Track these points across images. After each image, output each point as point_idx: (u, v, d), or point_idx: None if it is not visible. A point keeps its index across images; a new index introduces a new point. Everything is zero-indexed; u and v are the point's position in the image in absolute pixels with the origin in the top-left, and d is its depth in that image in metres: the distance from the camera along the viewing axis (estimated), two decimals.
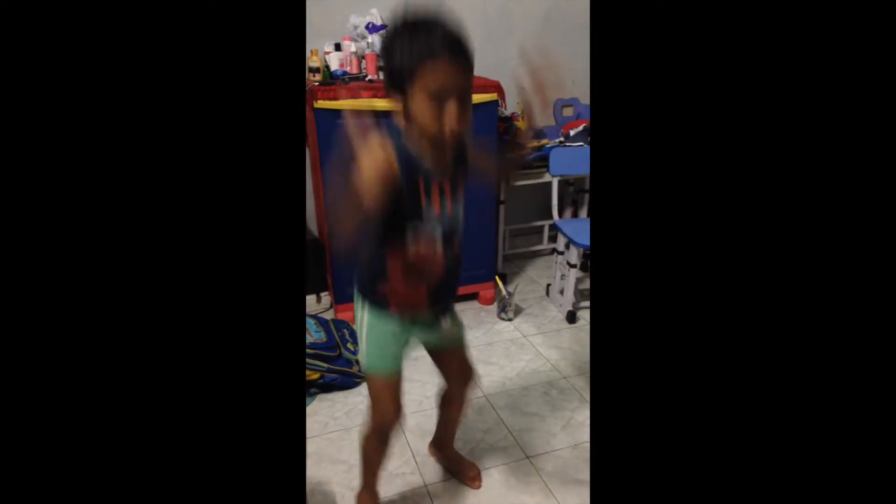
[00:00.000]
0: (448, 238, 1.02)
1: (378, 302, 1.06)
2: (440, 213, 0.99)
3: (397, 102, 0.90)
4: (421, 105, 0.86)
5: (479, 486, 1.42)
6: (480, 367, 1.93)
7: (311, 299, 2.39)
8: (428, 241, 0.99)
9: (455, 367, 1.26)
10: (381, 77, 0.95)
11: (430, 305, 1.08)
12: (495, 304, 2.32)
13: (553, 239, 2.58)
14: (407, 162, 0.91)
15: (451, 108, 0.86)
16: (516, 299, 2.30)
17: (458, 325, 1.23)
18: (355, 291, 1.10)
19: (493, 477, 1.45)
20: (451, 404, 1.35)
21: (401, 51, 0.86)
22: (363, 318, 1.09)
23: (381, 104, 1.87)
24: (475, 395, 1.78)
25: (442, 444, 1.46)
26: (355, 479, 1.44)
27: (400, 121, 0.92)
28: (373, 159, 0.78)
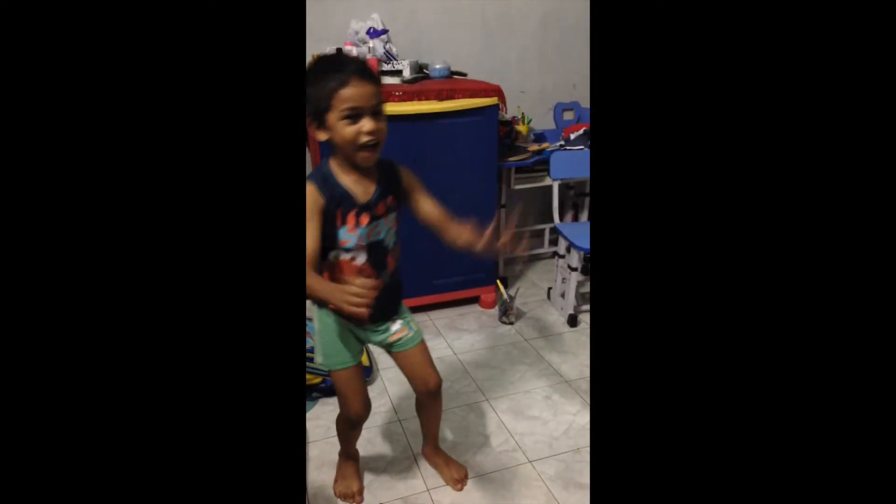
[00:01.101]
0: (378, 256, 1.14)
1: (321, 304, 1.17)
2: (359, 235, 1.10)
3: (322, 133, 1.04)
4: (339, 127, 1.01)
5: (461, 489, 1.43)
6: (481, 371, 1.93)
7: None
8: (350, 265, 1.12)
9: (413, 370, 1.29)
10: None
11: (369, 316, 1.11)
12: (496, 307, 2.32)
13: (554, 242, 2.58)
14: (330, 192, 1.06)
15: (366, 124, 1.01)
16: (517, 303, 2.30)
17: (412, 329, 1.27)
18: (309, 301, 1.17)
19: (496, 481, 1.45)
20: (420, 408, 1.40)
21: (316, 85, 1.00)
22: (316, 322, 1.20)
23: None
24: (477, 399, 1.78)
25: (428, 447, 1.49)
26: (372, 467, 1.44)
27: (331, 151, 1.08)
28: (307, 207, 0.99)
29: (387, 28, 2.18)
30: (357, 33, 2.15)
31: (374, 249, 1.13)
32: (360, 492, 1.41)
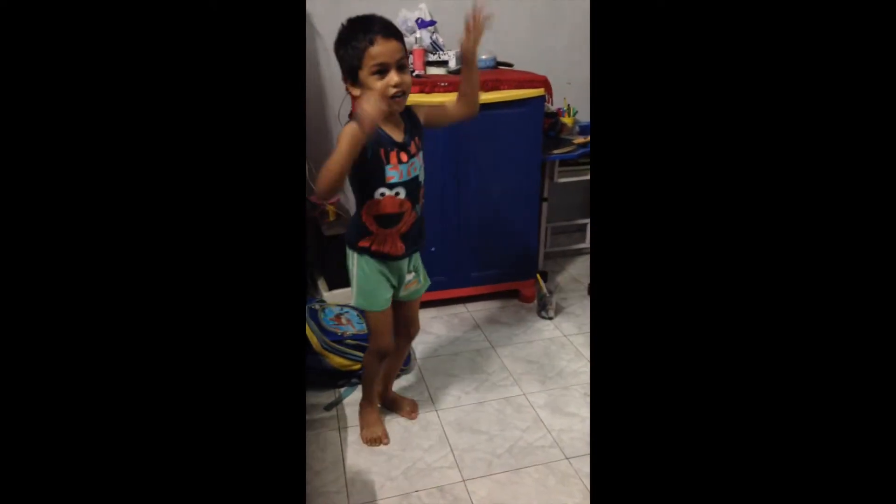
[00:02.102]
0: (412, 191, 1.30)
1: (362, 251, 1.34)
2: (400, 172, 1.26)
3: (355, 88, 1.20)
4: (370, 81, 1.15)
5: (415, 417, 1.63)
6: (520, 366, 1.92)
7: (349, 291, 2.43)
8: (393, 199, 1.28)
9: (408, 317, 1.52)
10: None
11: (403, 246, 1.35)
12: (536, 301, 2.30)
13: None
14: (372, 136, 1.16)
15: (394, 77, 1.15)
16: (557, 298, 2.27)
17: (420, 281, 1.48)
18: (346, 249, 1.38)
19: (532, 476, 1.45)
20: (395, 351, 1.55)
21: (348, 46, 1.16)
22: (353, 267, 1.38)
23: (427, 99, 1.88)
24: (514, 393, 1.77)
25: (382, 391, 1.66)
26: (395, 469, 1.46)
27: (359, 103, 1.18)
28: (345, 136, 1.12)
29: (434, 20, 2.17)
30: (406, 22, 2.15)
31: (411, 185, 1.29)
32: (386, 434, 1.57)
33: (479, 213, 2.11)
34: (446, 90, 1.93)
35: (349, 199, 2.50)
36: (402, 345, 1.57)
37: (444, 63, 2.10)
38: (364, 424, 1.58)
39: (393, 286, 1.41)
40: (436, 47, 2.14)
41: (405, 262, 1.39)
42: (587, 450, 1.53)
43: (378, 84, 1.15)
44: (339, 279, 2.36)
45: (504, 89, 1.98)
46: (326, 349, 1.77)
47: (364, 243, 1.33)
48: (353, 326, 1.87)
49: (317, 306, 1.92)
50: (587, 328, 2.15)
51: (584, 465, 1.47)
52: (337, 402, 1.74)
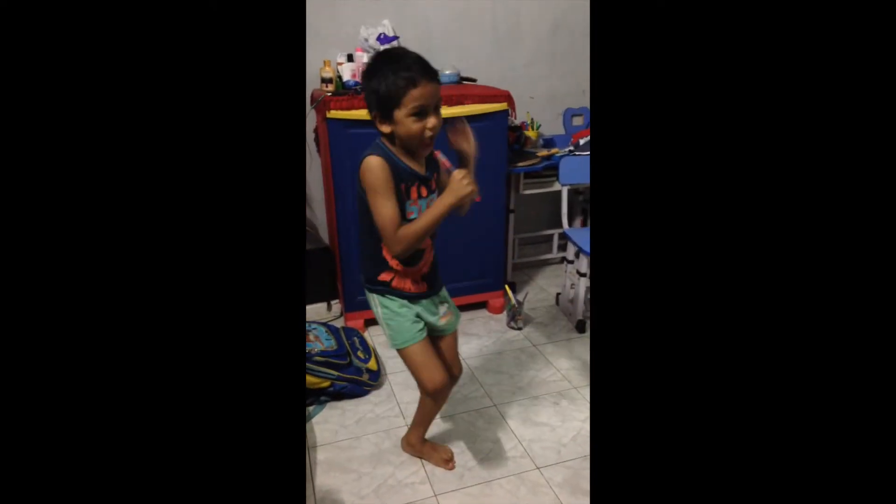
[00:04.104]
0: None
1: (385, 289, 1.28)
2: (419, 207, 1.22)
3: (386, 126, 1.14)
4: (407, 122, 1.11)
5: (453, 467, 1.50)
6: (490, 377, 1.92)
7: (321, 307, 2.41)
8: None
9: (449, 354, 1.43)
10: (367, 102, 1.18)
11: (426, 285, 1.31)
12: (504, 312, 2.32)
13: (563, 248, 2.58)
14: (395, 171, 1.16)
15: (432, 120, 1.13)
16: (526, 308, 2.30)
17: (454, 313, 1.42)
18: (366, 291, 1.32)
19: (503, 487, 1.45)
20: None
21: (386, 82, 1.10)
22: (378, 309, 1.31)
23: None
24: (485, 405, 1.77)
25: (417, 435, 1.54)
26: (365, 488, 1.44)
27: (385, 136, 1.17)
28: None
29: (398, 35, 2.19)
30: (367, 40, 2.16)
31: None
32: (451, 455, 1.52)
33: (447, 225, 2.11)
34: None
35: (314, 210, 2.48)
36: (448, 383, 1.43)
37: None
38: (429, 456, 1.52)
39: (423, 319, 1.32)
40: None
41: (431, 299, 1.34)
42: (558, 458, 1.54)
43: (415, 126, 1.11)
44: (311, 294, 2.34)
45: (468, 104, 2.01)
46: None
47: (385, 277, 1.27)
48: (321, 343, 1.85)
49: None
50: (556, 337, 2.17)
51: (555, 475, 1.48)
52: (306, 421, 1.71)
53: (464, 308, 2.34)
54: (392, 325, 1.30)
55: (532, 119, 2.56)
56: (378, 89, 1.10)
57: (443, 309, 1.37)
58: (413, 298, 1.30)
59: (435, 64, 1.14)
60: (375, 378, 1.87)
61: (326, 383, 1.78)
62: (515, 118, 2.33)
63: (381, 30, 2.17)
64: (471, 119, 2.05)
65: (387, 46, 1.14)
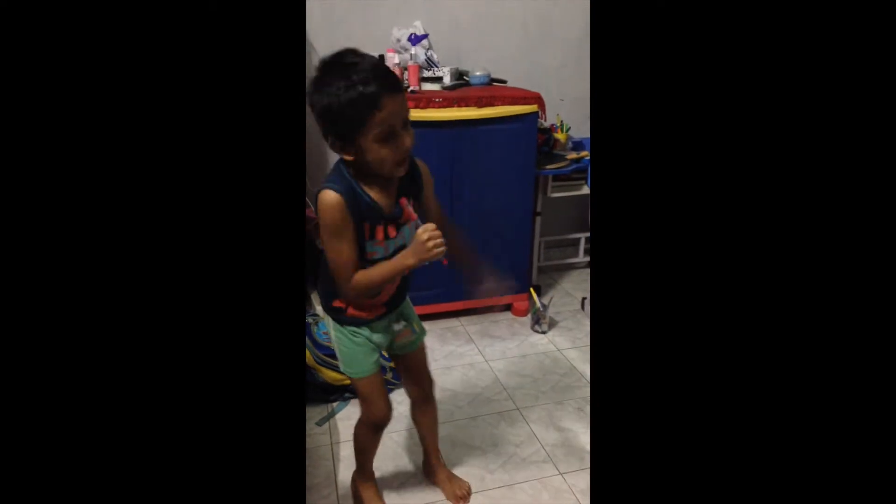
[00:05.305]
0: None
1: (340, 318, 1.14)
2: (386, 247, 1.05)
3: (347, 153, 0.94)
4: (375, 148, 0.90)
5: None
6: (513, 380, 1.91)
7: None
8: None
9: (413, 372, 1.31)
10: (319, 121, 0.94)
11: (385, 308, 1.15)
12: (529, 315, 2.30)
13: (589, 252, 2.55)
14: (358, 208, 0.97)
15: (402, 139, 0.92)
16: (551, 312, 2.28)
17: (415, 332, 1.27)
18: (322, 312, 1.20)
19: (525, 492, 1.44)
20: (417, 414, 1.38)
21: (339, 101, 0.86)
22: (332, 332, 1.18)
23: (422, 115, 1.90)
24: (507, 408, 1.77)
25: (430, 462, 1.44)
26: (387, 485, 1.45)
27: (348, 163, 0.97)
28: (337, 220, 0.95)
29: (427, 33, 2.20)
30: (399, 41, 2.18)
31: (396, 252, 1.05)
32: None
33: (474, 226, 2.12)
34: (440, 105, 1.95)
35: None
36: (419, 404, 1.35)
37: (438, 79, 2.13)
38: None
39: (379, 345, 1.19)
40: (430, 63, 2.16)
41: (388, 318, 1.18)
42: (581, 465, 1.52)
43: (385, 152, 0.90)
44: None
45: (498, 105, 2.01)
46: (319, 363, 1.76)
47: (339, 304, 1.12)
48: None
49: (310, 320, 1.91)
50: (581, 342, 2.15)
51: (578, 481, 1.46)
52: (329, 417, 1.73)
53: (488, 310, 2.34)
54: (344, 352, 1.17)
55: (562, 121, 2.54)
56: (331, 108, 0.87)
57: (398, 327, 1.21)
58: (368, 323, 1.15)
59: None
60: (398, 377, 1.88)
61: (349, 380, 1.79)
62: (545, 120, 2.31)
63: (412, 30, 2.18)
64: (501, 121, 2.06)
65: (338, 50, 0.91)
